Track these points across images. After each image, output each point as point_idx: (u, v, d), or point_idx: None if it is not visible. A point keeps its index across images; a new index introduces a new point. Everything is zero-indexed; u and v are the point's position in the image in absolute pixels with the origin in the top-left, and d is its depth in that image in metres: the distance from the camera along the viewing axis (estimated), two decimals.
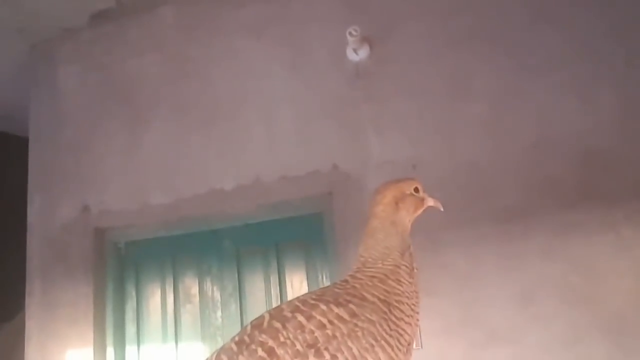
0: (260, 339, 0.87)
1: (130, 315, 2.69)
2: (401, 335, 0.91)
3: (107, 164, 2.79)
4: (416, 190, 1.09)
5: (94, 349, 2.58)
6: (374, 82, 2.42)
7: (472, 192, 2.19)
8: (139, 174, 2.72)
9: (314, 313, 0.89)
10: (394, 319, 0.91)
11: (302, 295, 0.97)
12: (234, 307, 2.53)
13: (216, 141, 2.61)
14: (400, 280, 0.97)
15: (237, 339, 0.91)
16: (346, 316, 0.88)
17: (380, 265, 0.99)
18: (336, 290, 0.96)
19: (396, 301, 0.94)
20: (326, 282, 2.41)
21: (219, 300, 2.56)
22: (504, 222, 2.13)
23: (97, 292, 2.66)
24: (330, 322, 0.87)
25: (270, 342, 0.86)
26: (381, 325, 0.89)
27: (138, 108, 2.80)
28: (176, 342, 2.59)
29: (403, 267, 0.99)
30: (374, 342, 0.86)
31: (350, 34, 2.32)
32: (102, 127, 2.85)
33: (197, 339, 2.56)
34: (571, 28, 2.21)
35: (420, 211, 1.11)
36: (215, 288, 2.59)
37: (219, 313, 2.55)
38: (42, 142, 2.97)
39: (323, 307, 0.89)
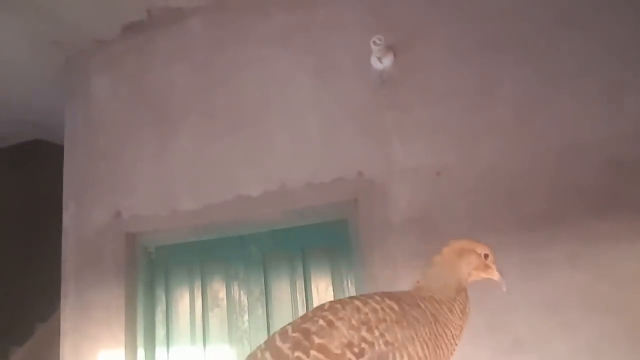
0: (322, 314, 1.00)
1: (160, 317, 2.76)
2: (439, 347, 1.01)
3: (138, 171, 2.87)
4: (486, 256, 1.19)
5: (125, 349, 2.65)
6: (398, 89, 2.44)
7: (497, 199, 2.19)
8: (168, 180, 2.79)
9: (369, 300, 1.02)
10: (435, 331, 1.02)
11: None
12: (260, 312, 2.58)
13: (243, 148, 2.66)
14: (452, 310, 1.08)
15: (298, 319, 1.04)
16: (396, 307, 1.01)
17: (437, 293, 1.10)
18: (393, 292, 1.09)
19: (442, 322, 1.05)
20: (351, 288, 2.44)
21: (246, 304, 2.61)
22: (529, 230, 2.12)
23: (129, 295, 2.74)
24: (382, 309, 1.00)
25: (330, 316, 0.99)
26: (423, 328, 1.00)
27: (167, 116, 2.87)
28: (204, 344, 2.65)
29: (457, 303, 1.10)
30: (414, 336, 0.98)
31: (374, 42, 2.35)
32: (133, 135, 2.93)
33: (225, 342, 2.61)
34: (596, 35, 2.19)
35: (482, 275, 1.20)
36: (242, 292, 2.64)
37: (245, 317, 2.60)
38: (76, 150, 3.08)
39: (377, 297, 1.03)
